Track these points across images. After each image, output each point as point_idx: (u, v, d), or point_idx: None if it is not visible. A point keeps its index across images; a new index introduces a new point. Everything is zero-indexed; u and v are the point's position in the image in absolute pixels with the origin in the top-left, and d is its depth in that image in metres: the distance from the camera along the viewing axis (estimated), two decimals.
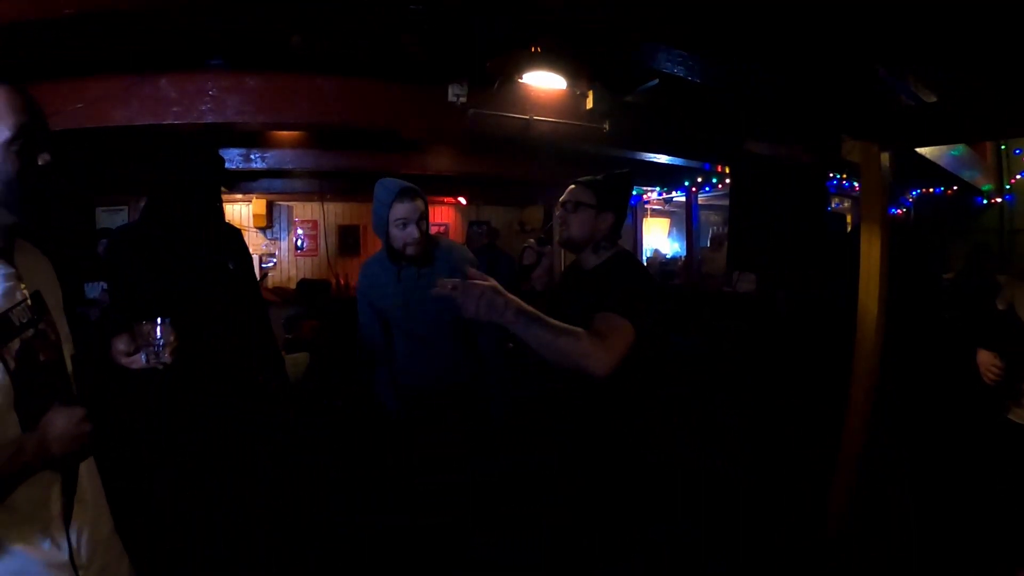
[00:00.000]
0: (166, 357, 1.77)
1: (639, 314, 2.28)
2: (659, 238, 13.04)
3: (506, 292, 1.96)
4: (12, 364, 1.43)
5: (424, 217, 3.10)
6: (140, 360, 1.77)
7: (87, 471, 1.70)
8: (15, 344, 1.46)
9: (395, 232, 3.09)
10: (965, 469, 4.13)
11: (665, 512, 2.62)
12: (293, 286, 9.51)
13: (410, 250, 3.11)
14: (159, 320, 1.76)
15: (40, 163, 1.49)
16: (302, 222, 10.62)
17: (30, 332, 1.51)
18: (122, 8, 2.39)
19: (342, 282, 9.89)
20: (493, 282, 1.97)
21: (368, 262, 3.43)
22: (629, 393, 2.47)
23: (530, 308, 2.00)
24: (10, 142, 1.42)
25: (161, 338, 1.76)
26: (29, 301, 1.53)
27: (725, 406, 5.68)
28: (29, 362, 1.49)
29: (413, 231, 3.06)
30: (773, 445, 5.04)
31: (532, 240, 2.60)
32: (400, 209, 3.05)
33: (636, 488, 2.54)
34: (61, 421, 1.44)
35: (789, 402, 5.33)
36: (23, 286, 1.53)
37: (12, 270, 1.52)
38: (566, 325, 2.07)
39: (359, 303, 3.45)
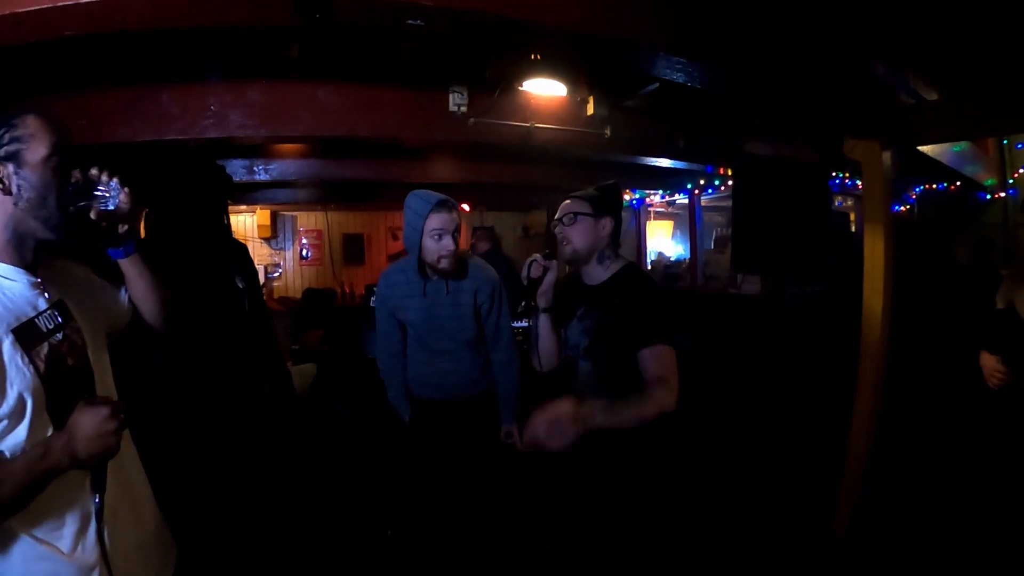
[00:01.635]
0: (114, 205, 1.72)
1: (671, 333, 2.38)
2: (663, 241, 13.04)
3: (585, 402, 2.18)
4: (42, 367, 1.51)
5: (458, 229, 3.09)
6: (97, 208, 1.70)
7: (129, 466, 1.79)
8: (43, 348, 1.54)
9: (429, 244, 3.07)
10: (971, 466, 4.13)
11: (672, 512, 2.62)
12: (298, 295, 9.54)
13: (444, 263, 3.09)
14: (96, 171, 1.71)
15: (72, 180, 1.64)
16: (306, 232, 10.68)
17: (57, 337, 1.60)
18: (123, 29, 2.39)
19: (347, 290, 9.93)
20: (566, 402, 2.16)
21: (391, 271, 3.40)
22: None
23: (603, 402, 2.24)
24: (47, 159, 1.58)
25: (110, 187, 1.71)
26: (55, 309, 1.63)
27: (730, 406, 5.68)
28: (58, 366, 1.57)
29: (449, 243, 3.05)
30: (779, 445, 5.03)
31: (537, 254, 2.58)
32: (436, 220, 3.03)
33: (643, 490, 2.55)
34: (87, 420, 1.47)
35: (795, 403, 5.33)
36: (47, 295, 1.63)
37: (36, 280, 1.61)
38: (630, 398, 2.28)
39: (378, 311, 3.44)
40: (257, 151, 6.33)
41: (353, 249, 10.83)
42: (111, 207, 1.72)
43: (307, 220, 10.70)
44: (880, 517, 4.13)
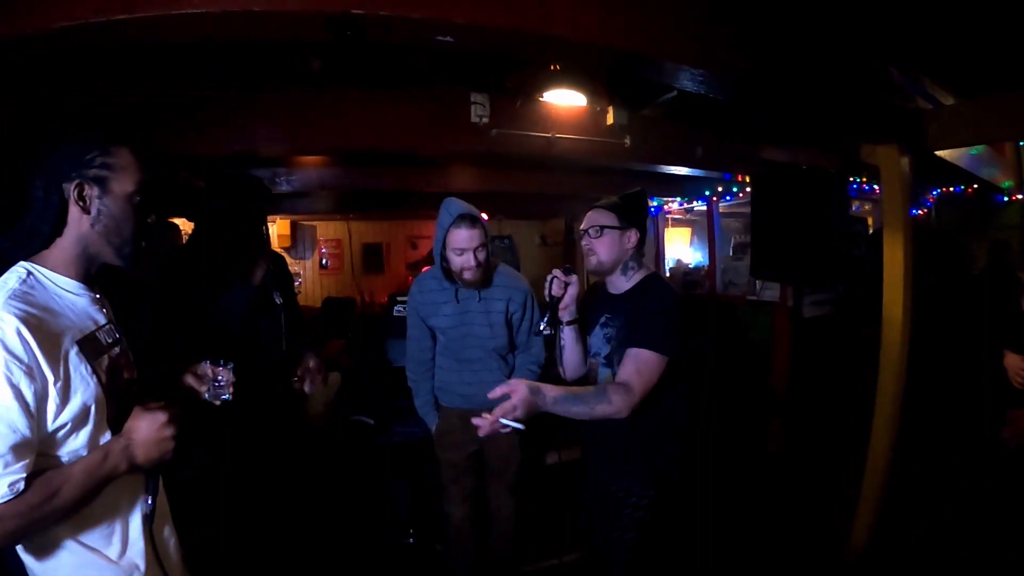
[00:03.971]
0: (227, 395, 1.84)
1: (668, 341, 2.42)
2: (681, 248, 13.02)
3: (539, 385, 2.33)
4: (104, 378, 1.58)
5: (484, 245, 3.08)
6: (203, 395, 1.83)
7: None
8: (104, 360, 1.61)
9: (452, 257, 3.10)
10: (990, 473, 4.11)
11: (684, 524, 2.66)
12: (318, 304, 9.59)
13: (467, 275, 3.11)
14: (223, 363, 1.84)
15: (149, 219, 1.72)
16: (326, 241, 10.77)
17: (116, 351, 1.67)
18: (158, 43, 2.46)
19: (367, 299, 9.98)
20: (522, 387, 2.28)
21: (424, 277, 3.42)
22: (664, 406, 2.54)
23: (562, 389, 2.37)
24: (132, 195, 1.65)
25: (223, 380, 1.83)
26: (112, 324, 1.70)
27: (748, 416, 5.68)
28: (116, 378, 1.64)
29: (469, 259, 3.07)
30: (798, 454, 5.03)
31: (557, 271, 2.60)
32: (455, 237, 3.05)
33: (661, 502, 2.59)
34: (144, 425, 1.56)
35: (814, 411, 5.32)
36: (106, 311, 1.70)
37: (98, 295, 1.69)
38: (593, 391, 2.40)
39: (409, 317, 3.45)
40: (279, 162, 6.38)
41: (372, 258, 10.91)
42: (226, 397, 1.89)
43: (326, 229, 10.79)
44: (900, 531, 4.11)
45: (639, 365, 2.40)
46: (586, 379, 2.78)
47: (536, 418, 3.39)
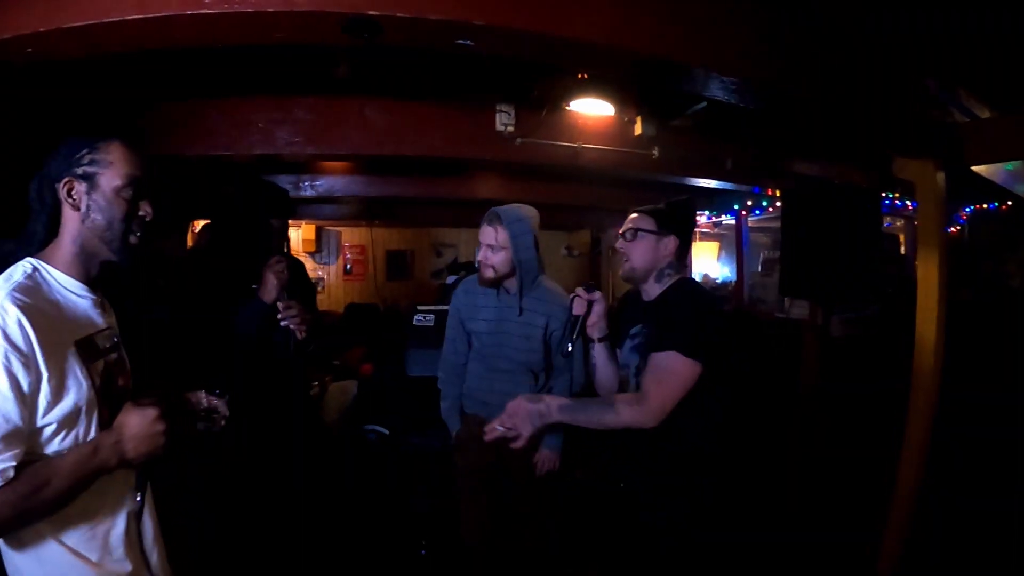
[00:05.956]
0: (218, 429, 1.82)
1: (696, 344, 2.25)
2: (708, 262, 12.90)
3: (543, 396, 2.33)
4: (98, 382, 1.55)
5: (501, 247, 3.05)
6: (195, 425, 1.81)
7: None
8: (100, 364, 1.59)
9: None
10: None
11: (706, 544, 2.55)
12: (341, 309, 9.62)
13: (480, 267, 3.12)
14: (219, 393, 1.82)
15: (141, 213, 1.67)
16: (350, 247, 10.80)
17: (112, 356, 1.65)
18: (170, 46, 2.43)
19: (387, 303, 9.98)
20: (520, 399, 2.31)
21: (472, 279, 3.38)
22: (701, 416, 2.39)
23: (568, 400, 2.39)
24: (120, 189, 1.62)
25: (220, 412, 1.82)
26: (110, 330, 1.69)
27: (774, 434, 5.59)
28: (110, 384, 1.62)
29: (480, 252, 3.09)
30: (824, 477, 4.93)
31: (580, 288, 2.56)
32: (480, 231, 3.08)
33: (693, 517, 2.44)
34: (135, 420, 1.53)
35: (843, 432, 5.22)
36: (107, 315, 1.70)
37: (97, 298, 1.67)
38: (598, 400, 2.42)
39: (450, 318, 3.42)
40: (304, 167, 6.42)
41: (397, 265, 10.94)
42: (215, 431, 1.84)
43: (351, 235, 10.83)
44: (928, 552, 3.99)
45: (659, 371, 2.27)
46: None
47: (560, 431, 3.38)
